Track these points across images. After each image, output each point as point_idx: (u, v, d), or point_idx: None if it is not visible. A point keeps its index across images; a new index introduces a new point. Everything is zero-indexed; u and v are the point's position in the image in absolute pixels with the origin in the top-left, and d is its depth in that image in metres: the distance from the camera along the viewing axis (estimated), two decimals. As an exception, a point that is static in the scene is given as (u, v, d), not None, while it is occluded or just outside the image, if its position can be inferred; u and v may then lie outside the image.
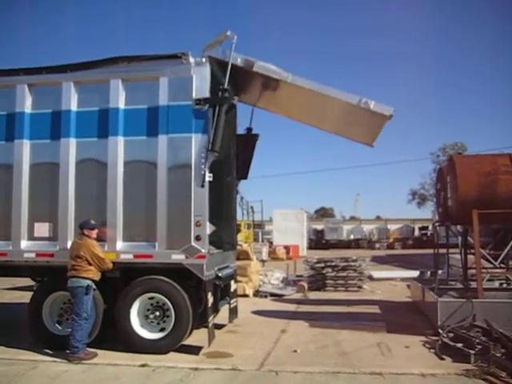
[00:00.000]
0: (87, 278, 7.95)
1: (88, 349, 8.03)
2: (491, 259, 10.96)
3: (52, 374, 7.20)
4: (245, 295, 14.58)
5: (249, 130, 10.79)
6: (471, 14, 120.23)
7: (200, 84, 8.27)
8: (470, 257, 11.38)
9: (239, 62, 8.62)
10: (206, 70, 8.33)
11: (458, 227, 12.45)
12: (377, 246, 62.72)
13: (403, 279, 18.96)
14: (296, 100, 9.79)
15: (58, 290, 8.47)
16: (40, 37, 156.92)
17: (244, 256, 15.99)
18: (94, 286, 8.07)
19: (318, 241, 60.74)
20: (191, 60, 8.30)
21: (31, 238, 8.70)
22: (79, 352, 7.86)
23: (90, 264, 7.98)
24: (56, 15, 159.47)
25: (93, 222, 8.20)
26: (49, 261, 8.58)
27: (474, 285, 10.55)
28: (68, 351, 7.87)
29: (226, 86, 8.41)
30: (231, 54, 8.47)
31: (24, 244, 8.68)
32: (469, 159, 11.83)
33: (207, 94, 8.27)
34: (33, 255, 8.65)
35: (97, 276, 8.09)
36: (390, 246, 61.80)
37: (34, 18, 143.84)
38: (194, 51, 8.38)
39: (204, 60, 8.34)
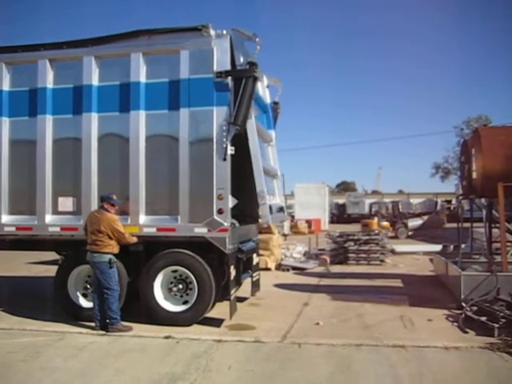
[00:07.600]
0: (108, 253, 8.03)
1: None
2: (516, 233, 10.82)
3: (79, 345, 7.34)
4: (267, 269, 14.68)
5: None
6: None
7: (221, 56, 8.15)
8: (495, 230, 11.24)
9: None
10: (227, 43, 8.19)
11: (483, 200, 12.26)
12: None
13: (426, 253, 18.91)
14: None
15: (82, 263, 8.55)
16: (58, 12, 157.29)
17: (266, 230, 16.01)
18: (115, 259, 8.14)
19: (339, 215, 60.23)
20: (212, 32, 8.16)
21: (55, 212, 8.82)
22: (118, 324, 8.03)
23: (110, 238, 8.04)
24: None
25: (115, 197, 8.19)
26: (73, 234, 8.69)
27: (498, 258, 10.44)
28: (108, 323, 8.05)
29: (252, 59, 8.34)
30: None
31: (49, 218, 8.80)
32: (494, 131, 11.61)
33: (228, 67, 8.16)
34: (57, 229, 8.78)
35: (116, 249, 8.14)
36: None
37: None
38: (215, 25, 8.27)
39: (225, 32, 8.23)
